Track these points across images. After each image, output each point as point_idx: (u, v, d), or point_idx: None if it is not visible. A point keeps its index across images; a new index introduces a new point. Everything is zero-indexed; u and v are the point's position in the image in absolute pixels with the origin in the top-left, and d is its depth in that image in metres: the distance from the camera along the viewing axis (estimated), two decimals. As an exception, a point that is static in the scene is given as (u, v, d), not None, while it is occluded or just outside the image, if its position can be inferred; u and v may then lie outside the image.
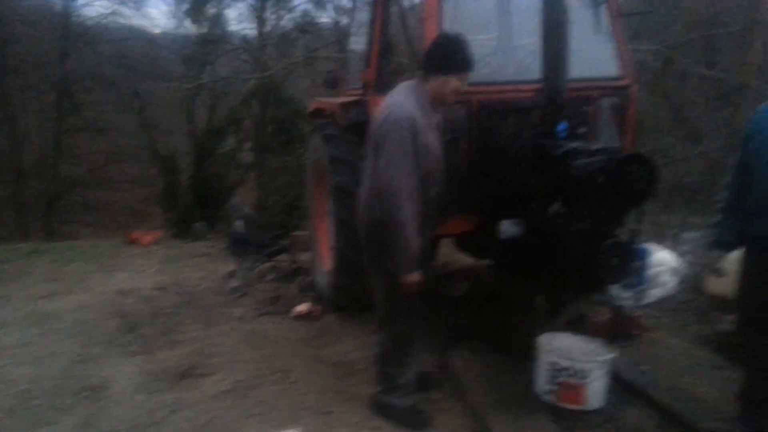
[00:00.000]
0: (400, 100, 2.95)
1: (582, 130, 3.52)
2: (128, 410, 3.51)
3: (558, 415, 3.29)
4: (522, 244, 3.46)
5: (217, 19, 14.11)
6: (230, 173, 14.08)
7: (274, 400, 3.54)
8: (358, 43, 5.23)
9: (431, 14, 3.70)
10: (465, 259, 5.64)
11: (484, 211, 3.77)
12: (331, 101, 4.94)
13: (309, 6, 13.99)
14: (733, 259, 3.31)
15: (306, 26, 14.09)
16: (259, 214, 10.27)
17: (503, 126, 3.73)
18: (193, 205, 12.82)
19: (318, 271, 5.19)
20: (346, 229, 4.03)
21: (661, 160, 10.23)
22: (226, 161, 14.11)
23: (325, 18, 14.10)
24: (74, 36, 16.37)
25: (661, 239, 6.90)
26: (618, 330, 4.25)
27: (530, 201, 3.45)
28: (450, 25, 3.62)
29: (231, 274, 5.97)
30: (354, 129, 4.23)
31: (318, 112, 5.21)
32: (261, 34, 14.30)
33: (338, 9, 13.40)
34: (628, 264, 3.22)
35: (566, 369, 3.30)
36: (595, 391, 3.30)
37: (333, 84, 5.46)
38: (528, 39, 3.63)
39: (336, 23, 13.60)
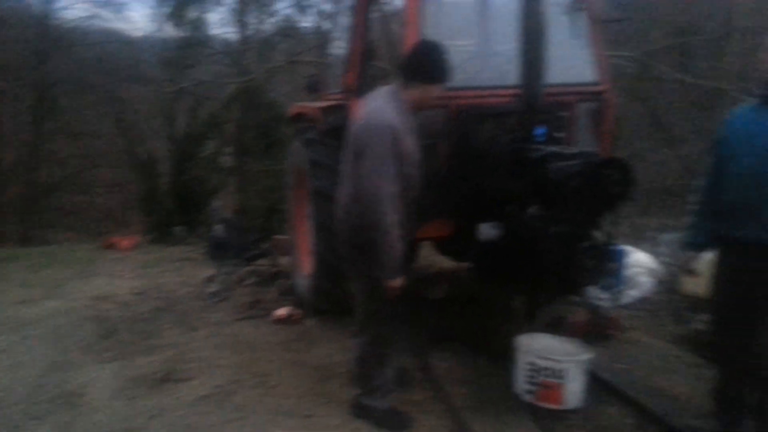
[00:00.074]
0: (381, 106, 2.97)
1: (559, 134, 3.58)
2: (105, 417, 3.47)
3: (537, 415, 3.33)
4: (501, 246, 3.50)
5: (199, 23, 14.03)
6: (211, 177, 13.98)
7: (254, 405, 3.52)
8: (339, 47, 5.25)
9: (412, 20, 3.73)
10: (445, 262, 5.68)
11: (463, 214, 3.80)
12: (311, 105, 4.95)
13: (291, 10, 13.98)
14: (707, 260, 3.39)
15: (288, 30, 14.06)
16: (239, 218, 10.22)
17: (482, 130, 3.77)
18: (172, 210, 12.71)
19: (298, 274, 5.19)
20: (326, 233, 4.04)
21: (638, 164, 10.39)
22: (207, 165, 14.01)
23: (307, 22, 14.10)
24: (53, 39, 16.17)
25: (639, 241, 7.00)
26: (595, 330, 4.32)
27: (508, 204, 3.49)
28: (430, 31, 3.66)
29: (210, 279, 5.94)
30: (334, 133, 4.23)
31: (299, 117, 5.21)
32: (243, 38, 14.25)
33: (320, 13, 13.43)
34: (605, 266, 3.27)
35: (545, 369, 3.34)
36: (574, 391, 3.35)
37: (314, 88, 5.47)
38: (507, 45, 3.67)
39: (318, 28, 13.62)
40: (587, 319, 4.30)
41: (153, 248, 9.03)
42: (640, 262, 5.51)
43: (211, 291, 5.63)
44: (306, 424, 3.32)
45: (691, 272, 3.36)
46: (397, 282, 2.98)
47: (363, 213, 2.94)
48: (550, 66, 3.40)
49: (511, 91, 3.55)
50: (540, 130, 3.45)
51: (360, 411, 3.35)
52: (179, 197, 13.05)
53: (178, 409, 3.52)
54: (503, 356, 3.66)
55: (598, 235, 3.30)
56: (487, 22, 4.57)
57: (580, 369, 3.37)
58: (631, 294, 5.31)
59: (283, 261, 6.11)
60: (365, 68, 4.44)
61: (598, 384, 3.64)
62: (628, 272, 5.35)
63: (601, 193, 3.06)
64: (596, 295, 4.44)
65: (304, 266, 5.02)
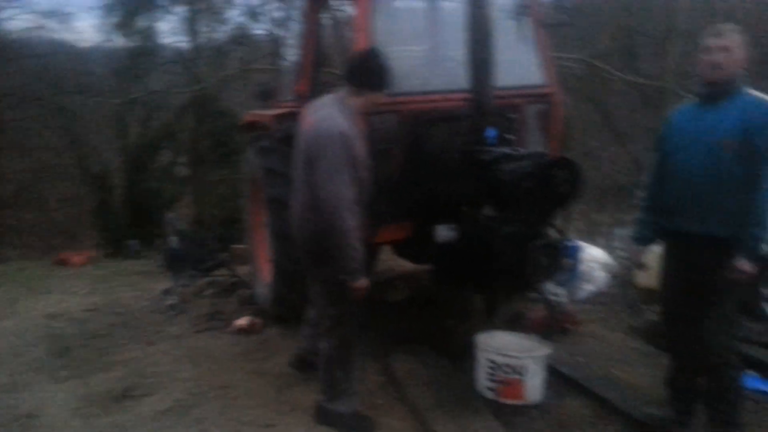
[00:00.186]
0: (332, 113, 3.02)
1: (510, 136, 3.66)
2: (63, 437, 3.38)
3: (499, 411, 3.37)
4: (457, 248, 3.55)
5: (149, 32, 13.79)
6: (166, 188, 13.74)
7: (215, 417, 3.48)
8: (292, 54, 5.25)
9: (361, 27, 3.76)
10: (406, 265, 5.71)
11: (420, 217, 3.85)
12: (265, 113, 4.93)
13: (243, 18, 13.87)
14: (656, 253, 3.50)
15: (241, 38, 13.96)
16: (195, 229, 10.09)
17: (434, 134, 3.83)
18: (127, 223, 12.46)
19: (258, 283, 5.15)
20: (284, 240, 4.02)
21: (591, 162, 10.68)
22: (161, 176, 13.78)
23: (260, 30, 14.01)
24: (-4, 51, 15.65)
25: (594, 237, 7.19)
26: (553, 325, 4.41)
27: (463, 206, 3.56)
28: (381, 37, 3.70)
29: (167, 292, 5.83)
30: (289, 141, 4.21)
31: (252, 125, 5.18)
32: (195, 46, 14.06)
33: (273, 21, 13.36)
34: (559, 262, 3.37)
35: (505, 366, 3.40)
36: (534, 386, 3.42)
37: (264, 96, 5.45)
38: (457, 50, 3.74)
39: (271, 35, 13.53)
40: (545, 314, 4.39)
41: (107, 263, 8.82)
42: (594, 257, 5.66)
43: (169, 304, 5.53)
44: (269, 434, 3.30)
45: (641, 266, 3.46)
46: (362, 282, 3.02)
47: (321, 219, 2.97)
48: (498, 70, 3.49)
49: (461, 95, 3.61)
50: (491, 133, 3.53)
51: (323, 417, 3.35)
52: (133, 210, 12.82)
53: (138, 425, 3.45)
54: (464, 355, 3.71)
55: (552, 233, 3.40)
56: (437, 27, 4.63)
57: (539, 364, 3.44)
58: (587, 288, 5.45)
59: (242, 270, 6.05)
60: (317, 75, 4.45)
61: (557, 378, 3.72)
62: (583, 267, 5.49)
63: (551, 192, 3.14)
64: (552, 290, 4.54)
65: (263, 275, 4.98)
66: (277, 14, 13.20)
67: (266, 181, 4.41)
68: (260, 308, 5.00)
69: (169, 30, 17.50)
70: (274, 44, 13.06)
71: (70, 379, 4.12)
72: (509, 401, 3.40)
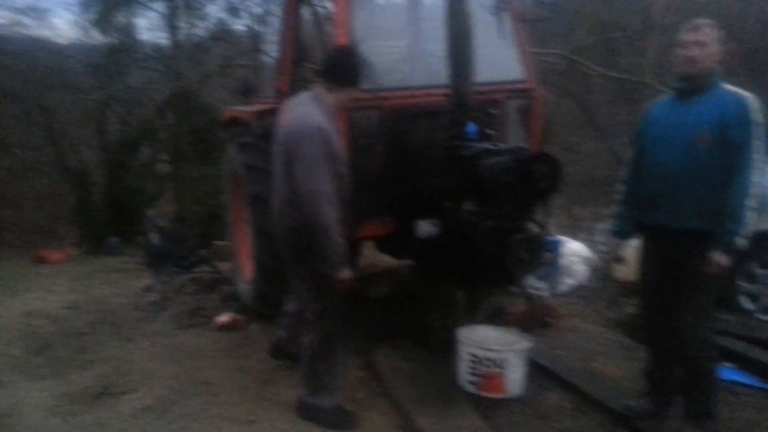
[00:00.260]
0: (309, 110, 3.05)
1: (490, 131, 3.68)
2: (42, 436, 3.34)
3: (480, 405, 3.40)
4: (439, 243, 3.57)
5: (128, 28, 13.61)
6: (147, 185, 13.60)
7: (196, 414, 3.47)
8: (273, 50, 5.22)
9: (342, 23, 3.75)
10: (388, 261, 5.72)
11: (401, 213, 3.86)
12: (245, 110, 4.91)
13: (223, 14, 13.74)
14: (634, 247, 3.54)
15: (221, 34, 13.83)
16: (174, 226, 10.01)
17: (415, 130, 3.84)
18: (107, 220, 12.31)
19: (240, 280, 5.13)
20: (265, 237, 4.01)
21: (571, 157, 10.78)
22: (142, 173, 13.64)
23: (240, 26, 13.89)
24: (-30, 48, 15.37)
25: (575, 231, 7.26)
26: (534, 319, 4.44)
27: (444, 201, 3.57)
28: (361, 33, 3.70)
29: (148, 289, 5.78)
30: (269, 137, 4.20)
31: (233, 121, 5.15)
32: (174, 42, 13.91)
33: (253, 17, 13.26)
34: (540, 256, 3.39)
35: (486, 360, 3.43)
36: (515, 379, 3.45)
37: (245, 92, 5.42)
38: (438, 45, 3.75)
39: (251, 30, 13.43)
40: (525, 308, 4.41)
41: (87, 260, 8.72)
42: (574, 251, 5.72)
43: (150, 301, 5.49)
44: (250, 430, 3.29)
45: (619, 260, 3.49)
46: (346, 274, 3.05)
47: (301, 214, 2.99)
48: (478, 65, 3.50)
49: (442, 91, 3.62)
50: (471, 128, 3.54)
51: (305, 412, 3.35)
52: (113, 207, 12.67)
53: (119, 422, 3.42)
54: (446, 350, 3.73)
55: (533, 228, 3.42)
56: (418, 23, 4.64)
57: (520, 357, 3.48)
58: (567, 282, 5.51)
59: (224, 267, 6.02)
60: (298, 72, 4.43)
61: (538, 371, 3.76)
62: (564, 262, 5.55)
63: (531, 187, 3.17)
64: (533, 285, 4.58)
65: (245, 271, 4.96)
66: (257, 10, 13.12)
67: (247, 178, 4.40)
68: (242, 305, 4.99)
69: (148, 26, 17.31)
70: (255, 40, 12.96)
71: (49, 378, 4.07)
72: (490, 395, 3.44)
